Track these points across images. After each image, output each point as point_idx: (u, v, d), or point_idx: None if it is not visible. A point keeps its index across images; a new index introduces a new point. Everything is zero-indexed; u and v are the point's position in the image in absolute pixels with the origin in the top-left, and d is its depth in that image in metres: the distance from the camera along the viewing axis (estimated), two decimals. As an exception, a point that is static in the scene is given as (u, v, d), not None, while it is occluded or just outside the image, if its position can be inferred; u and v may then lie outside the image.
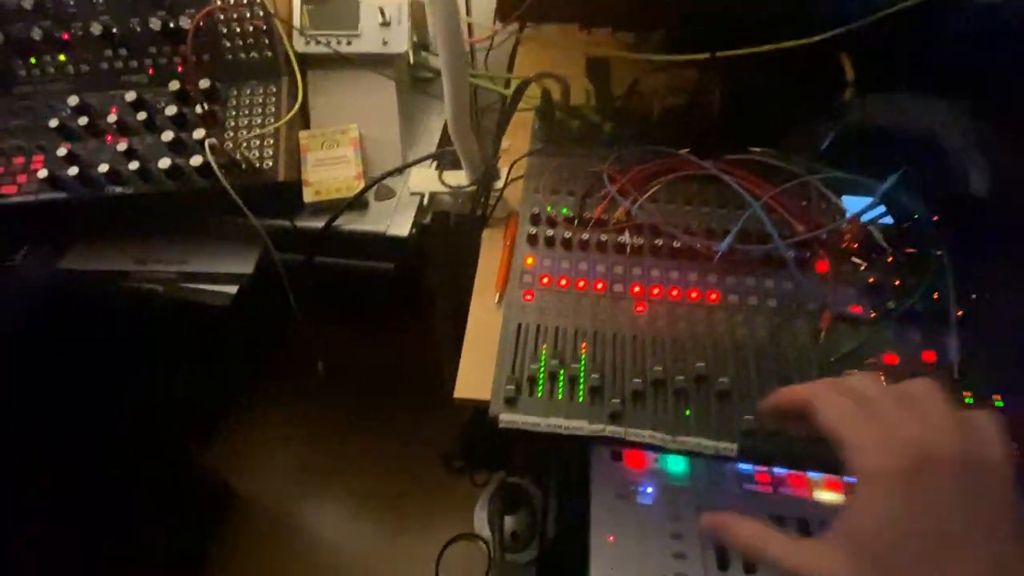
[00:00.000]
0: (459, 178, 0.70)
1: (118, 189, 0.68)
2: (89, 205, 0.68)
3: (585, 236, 0.59)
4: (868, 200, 0.56)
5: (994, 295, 0.54)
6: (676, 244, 0.58)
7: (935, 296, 0.53)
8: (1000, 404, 0.49)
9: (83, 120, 0.70)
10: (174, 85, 0.71)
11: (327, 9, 0.75)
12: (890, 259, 0.56)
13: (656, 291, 0.57)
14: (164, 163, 0.66)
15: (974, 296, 0.53)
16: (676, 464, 0.65)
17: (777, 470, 0.63)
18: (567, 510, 0.80)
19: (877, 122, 0.63)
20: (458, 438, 1.26)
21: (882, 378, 0.38)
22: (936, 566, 0.27)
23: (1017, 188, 0.63)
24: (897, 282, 0.54)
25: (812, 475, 0.64)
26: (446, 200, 0.73)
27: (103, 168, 0.67)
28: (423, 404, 1.24)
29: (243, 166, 0.66)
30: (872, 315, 0.53)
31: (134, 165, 0.66)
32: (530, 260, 0.60)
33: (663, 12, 0.72)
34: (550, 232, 0.61)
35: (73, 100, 0.71)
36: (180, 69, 0.72)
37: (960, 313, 0.51)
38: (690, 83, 0.68)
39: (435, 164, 0.75)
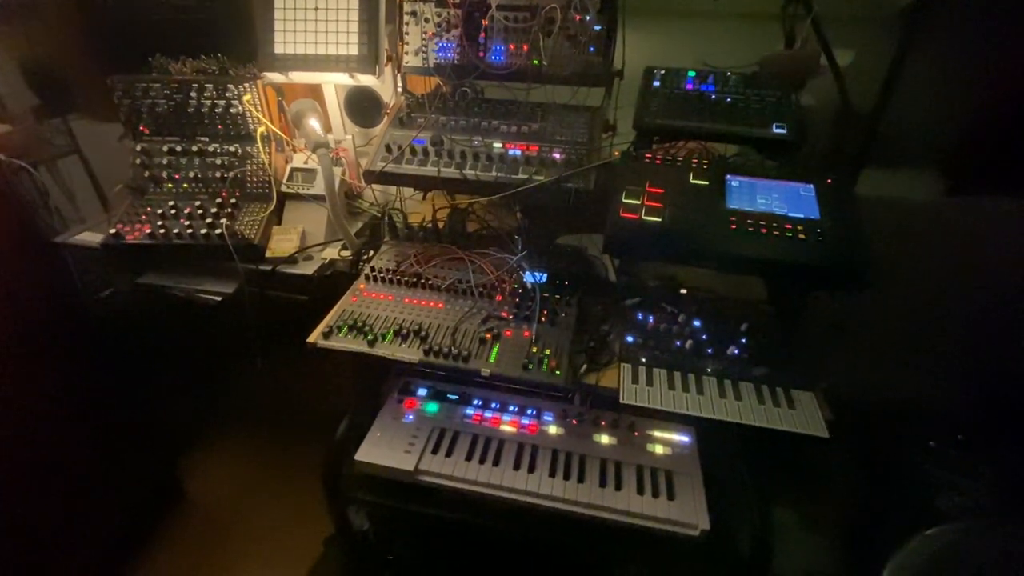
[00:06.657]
0: (346, 253, 1.38)
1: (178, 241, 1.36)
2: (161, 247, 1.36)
3: (399, 279, 1.24)
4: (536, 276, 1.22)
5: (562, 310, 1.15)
6: (441, 285, 1.22)
7: (543, 312, 1.15)
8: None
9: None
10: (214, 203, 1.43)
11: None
12: (520, 292, 1.19)
13: (429, 303, 1.20)
14: (203, 230, 1.35)
15: (548, 312, 1.15)
16: (431, 407, 1.23)
17: (486, 414, 1.20)
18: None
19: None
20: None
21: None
22: None
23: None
24: (518, 302, 1.17)
25: (504, 417, 1.20)
26: (339, 263, 1.40)
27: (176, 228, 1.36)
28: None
29: (240, 236, 1.35)
30: (511, 317, 1.15)
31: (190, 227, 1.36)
32: (362, 286, 1.24)
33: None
34: (385, 277, 1.26)
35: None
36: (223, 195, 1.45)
37: (542, 319, 1.13)
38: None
39: (341, 247, 1.43)
